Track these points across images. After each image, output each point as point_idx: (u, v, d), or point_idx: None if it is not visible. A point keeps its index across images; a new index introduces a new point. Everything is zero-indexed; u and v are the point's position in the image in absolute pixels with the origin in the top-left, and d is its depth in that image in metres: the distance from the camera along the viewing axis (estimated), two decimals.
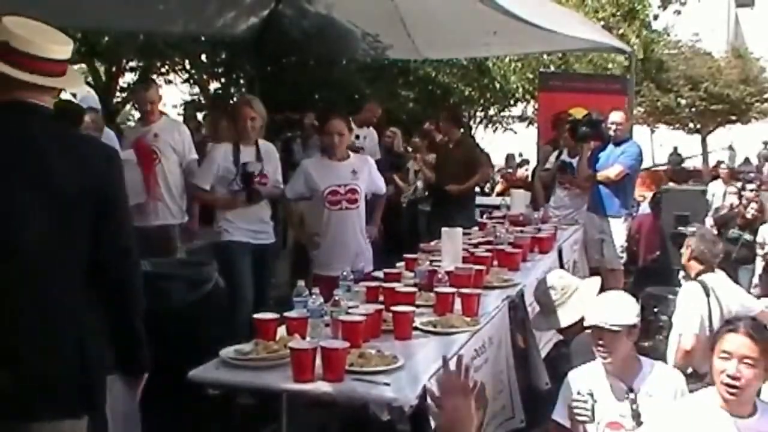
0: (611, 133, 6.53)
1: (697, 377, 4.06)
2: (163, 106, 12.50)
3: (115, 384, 2.35)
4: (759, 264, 7.68)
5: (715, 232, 8.02)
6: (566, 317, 3.56)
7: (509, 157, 13.79)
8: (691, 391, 3.98)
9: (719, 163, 15.35)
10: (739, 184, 10.23)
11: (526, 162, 12.65)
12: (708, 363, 4.04)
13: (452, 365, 1.99)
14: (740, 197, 8.88)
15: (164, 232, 5.22)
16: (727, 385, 2.53)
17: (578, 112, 7.41)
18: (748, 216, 8.05)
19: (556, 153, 7.31)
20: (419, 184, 8.30)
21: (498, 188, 12.04)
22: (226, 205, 4.78)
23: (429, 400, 1.98)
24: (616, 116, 6.56)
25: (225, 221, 4.80)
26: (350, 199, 4.55)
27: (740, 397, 2.54)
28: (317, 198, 4.55)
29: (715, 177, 13.00)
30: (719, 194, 10.96)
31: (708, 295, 4.18)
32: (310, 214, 4.87)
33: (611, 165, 6.46)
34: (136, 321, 2.32)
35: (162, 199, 5.22)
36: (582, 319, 3.49)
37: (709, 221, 8.68)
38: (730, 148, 21.83)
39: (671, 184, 10.83)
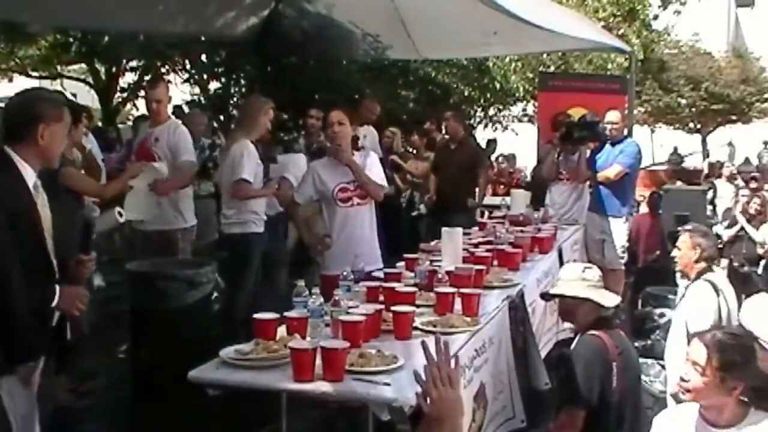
0: (607, 132, 6.53)
1: None
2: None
3: (15, 388, 2.59)
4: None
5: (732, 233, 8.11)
6: (608, 300, 3.51)
7: (510, 157, 13.77)
8: None
9: (719, 163, 15.33)
10: (753, 185, 10.23)
11: (511, 156, 12.61)
12: None
13: (434, 352, 1.93)
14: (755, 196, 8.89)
15: (165, 237, 5.20)
16: (679, 385, 2.62)
17: (578, 113, 7.41)
18: (751, 211, 8.14)
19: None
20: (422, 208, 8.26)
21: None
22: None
23: (418, 389, 1.95)
24: (611, 116, 6.56)
25: (252, 214, 5.19)
26: (360, 195, 4.54)
27: (695, 400, 2.60)
28: (327, 198, 4.53)
29: (718, 176, 13.00)
30: (721, 193, 10.95)
31: (718, 295, 4.18)
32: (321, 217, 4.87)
33: (610, 165, 6.46)
34: (15, 305, 2.55)
35: (166, 203, 5.21)
36: (590, 320, 3.47)
37: (723, 225, 8.71)
38: (730, 144, 21.82)
39: (679, 183, 10.81)
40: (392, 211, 7.72)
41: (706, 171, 14.30)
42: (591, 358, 3.29)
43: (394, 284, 3.58)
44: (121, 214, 4.89)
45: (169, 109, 6.07)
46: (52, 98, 3.01)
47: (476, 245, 4.73)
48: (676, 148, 20.83)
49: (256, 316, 2.97)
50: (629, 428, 3.32)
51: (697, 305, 4.17)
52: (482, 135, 14.45)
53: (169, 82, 12.70)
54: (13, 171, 2.77)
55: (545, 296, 3.96)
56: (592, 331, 3.40)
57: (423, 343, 1.98)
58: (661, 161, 19.78)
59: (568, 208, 6.88)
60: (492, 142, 12.71)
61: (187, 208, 5.35)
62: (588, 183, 6.81)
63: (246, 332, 3.04)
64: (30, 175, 2.81)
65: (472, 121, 14.29)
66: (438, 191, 7.59)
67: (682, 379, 2.61)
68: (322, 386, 2.55)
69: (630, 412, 3.33)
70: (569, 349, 3.54)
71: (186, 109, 9.45)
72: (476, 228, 5.79)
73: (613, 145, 6.55)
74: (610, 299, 3.50)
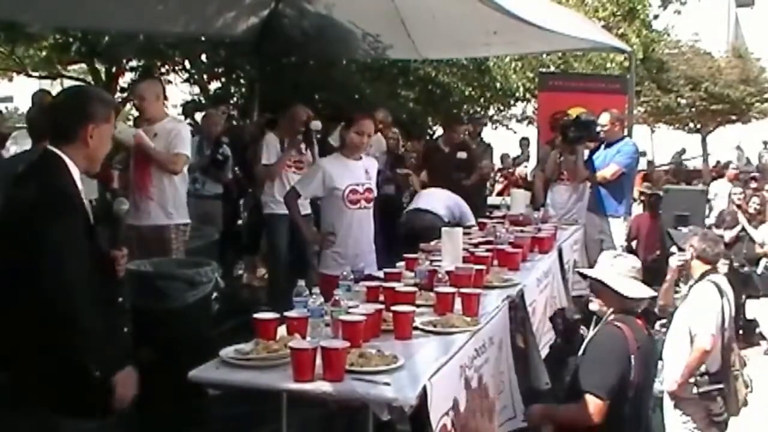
0: (600, 134, 6.55)
1: (710, 377, 4.07)
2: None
3: None
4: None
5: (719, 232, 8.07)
6: (630, 290, 3.46)
7: (504, 157, 13.77)
8: (706, 392, 4.00)
9: (722, 163, 15.32)
10: (753, 185, 10.23)
11: (525, 159, 12.62)
12: (719, 362, 4.07)
13: None
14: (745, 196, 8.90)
15: (158, 233, 5.19)
16: None
17: (577, 113, 7.41)
18: (751, 211, 8.14)
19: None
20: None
21: (498, 188, 12.03)
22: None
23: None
24: (602, 118, 6.56)
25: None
26: (367, 198, 4.60)
27: None
28: (335, 197, 4.53)
29: (718, 176, 12.99)
30: (722, 194, 10.95)
31: (722, 296, 4.19)
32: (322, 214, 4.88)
33: (607, 165, 6.47)
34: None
35: (155, 199, 5.20)
36: (612, 309, 3.44)
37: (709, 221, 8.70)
38: (738, 148, 21.80)
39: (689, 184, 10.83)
40: (393, 211, 7.74)
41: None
42: (611, 349, 3.26)
43: (394, 284, 3.58)
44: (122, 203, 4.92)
45: (174, 110, 6.08)
46: (102, 97, 2.84)
47: (476, 245, 4.73)
48: (684, 150, 20.89)
49: (256, 316, 2.98)
50: (643, 425, 3.31)
51: (702, 306, 4.17)
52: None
53: (169, 82, 12.70)
54: (69, 174, 2.64)
55: (581, 274, 3.92)
56: (615, 322, 3.37)
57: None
58: (660, 161, 19.84)
59: (569, 208, 6.89)
60: (524, 140, 12.86)
61: (179, 206, 5.31)
62: (588, 183, 6.82)
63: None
64: (77, 176, 2.68)
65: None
66: None
67: None
68: (322, 386, 2.55)
69: (644, 408, 3.31)
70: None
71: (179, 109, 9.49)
72: (476, 228, 5.80)
73: (609, 145, 6.55)
74: (631, 290, 3.43)
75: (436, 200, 6.12)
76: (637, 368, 3.25)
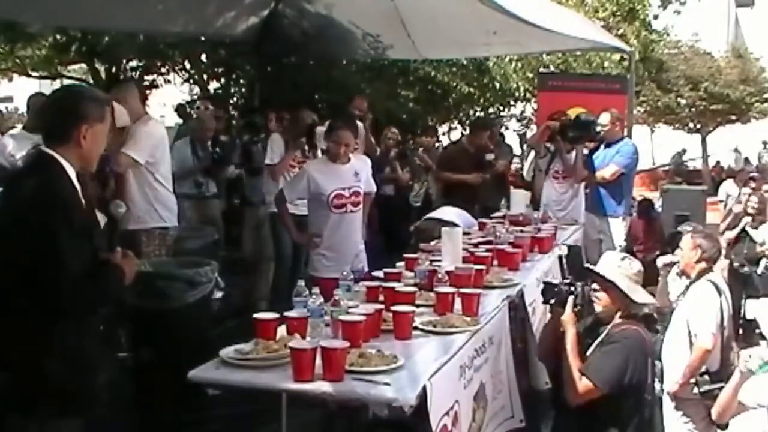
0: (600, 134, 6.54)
1: (710, 376, 4.08)
2: (163, 106, 12.44)
3: None
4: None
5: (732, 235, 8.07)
6: (638, 295, 3.44)
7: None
8: (708, 392, 4.00)
9: (722, 165, 15.31)
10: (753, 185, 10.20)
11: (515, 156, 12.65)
12: (718, 361, 4.07)
13: None
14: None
15: (131, 237, 5.12)
16: None
17: (576, 112, 7.40)
18: (750, 210, 8.14)
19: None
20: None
21: None
22: None
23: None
24: (602, 118, 6.56)
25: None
26: (354, 202, 4.60)
27: None
28: (320, 201, 4.55)
29: (720, 179, 12.99)
30: (735, 195, 10.94)
31: (720, 295, 4.19)
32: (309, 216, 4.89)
33: (606, 165, 6.47)
34: None
35: (128, 205, 5.11)
36: (619, 310, 3.42)
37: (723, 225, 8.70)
38: (736, 150, 21.82)
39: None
40: (396, 211, 7.75)
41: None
42: (636, 349, 3.25)
43: (394, 284, 3.58)
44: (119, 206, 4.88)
45: (165, 112, 6.03)
46: (96, 96, 2.76)
47: (476, 245, 4.73)
48: (684, 150, 20.91)
49: (256, 316, 2.98)
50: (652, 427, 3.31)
51: (701, 305, 4.18)
52: None
53: (169, 81, 12.67)
54: (66, 174, 2.56)
55: (589, 270, 3.91)
56: (629, 324, 3.34)
57: None
58: (661, 161, 19.84)
59: (563, 206, 6.86)
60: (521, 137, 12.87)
61: (151, 211, 5.18)
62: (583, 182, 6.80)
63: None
64: (74, 177, 2.60)
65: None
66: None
67: None
68: (322, 386, 2.55)
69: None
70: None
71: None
72: (476, 228, 5.80)
73: (609, 145, 6.55)
74: (640, 295, 3.42)
75: (453, 214, 6.10)
76: (653, 371, 3.27)
